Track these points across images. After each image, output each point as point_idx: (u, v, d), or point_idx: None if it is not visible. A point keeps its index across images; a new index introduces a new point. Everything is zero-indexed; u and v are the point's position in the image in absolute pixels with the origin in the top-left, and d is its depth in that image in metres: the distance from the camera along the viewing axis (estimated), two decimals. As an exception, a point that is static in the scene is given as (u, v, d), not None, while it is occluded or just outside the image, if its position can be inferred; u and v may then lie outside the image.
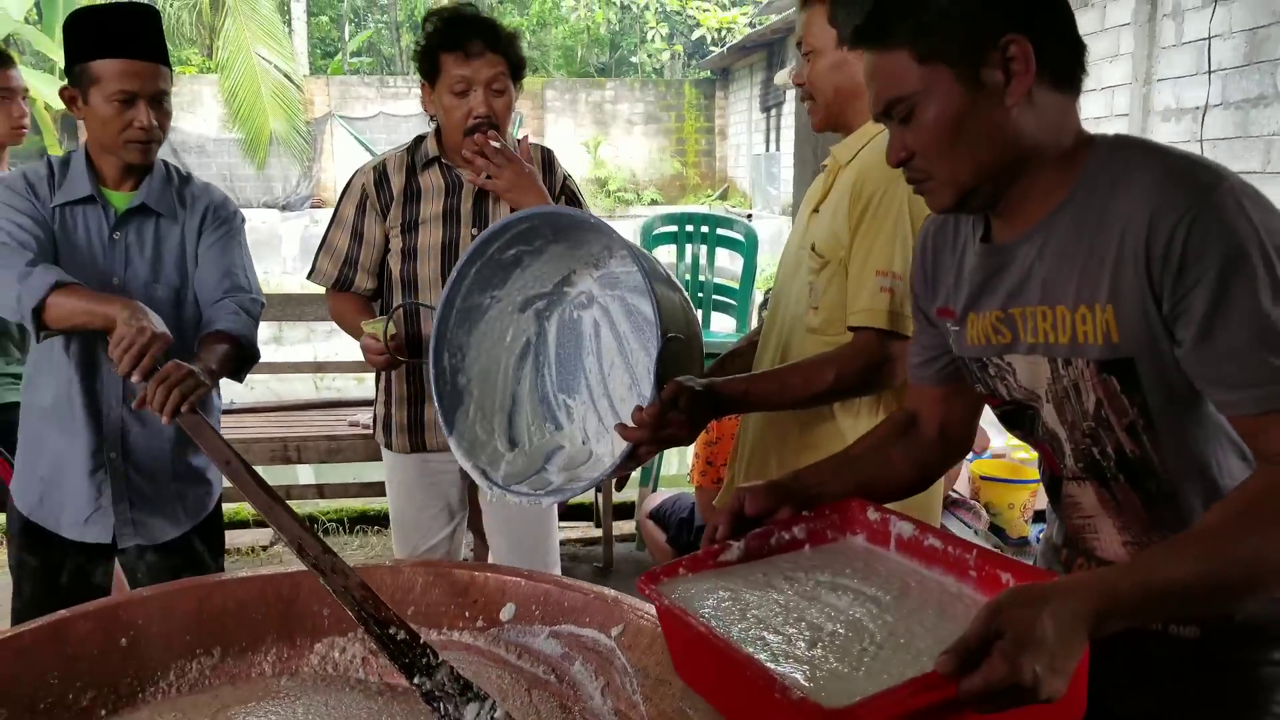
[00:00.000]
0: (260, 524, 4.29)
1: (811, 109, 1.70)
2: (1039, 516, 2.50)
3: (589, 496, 4.18)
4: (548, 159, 2.31)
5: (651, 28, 17.98)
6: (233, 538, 4.16)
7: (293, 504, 3.51)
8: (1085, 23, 5.88)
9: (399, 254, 2.19)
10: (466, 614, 1.41)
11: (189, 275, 1.98)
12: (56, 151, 13.25)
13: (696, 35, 17.82)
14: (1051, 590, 0.86)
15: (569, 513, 4.47)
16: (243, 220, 2.10)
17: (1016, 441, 2.96)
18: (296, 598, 1.43)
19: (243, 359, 1.97)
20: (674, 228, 4.80)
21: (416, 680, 1.19)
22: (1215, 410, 1.04)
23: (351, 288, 2.22)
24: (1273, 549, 0.91)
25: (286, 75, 13.48)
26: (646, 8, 17.86)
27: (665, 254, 3.54)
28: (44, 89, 12.33)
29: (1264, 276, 0.95)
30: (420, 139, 2.24)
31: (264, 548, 4.06)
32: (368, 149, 13.58)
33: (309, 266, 2.30)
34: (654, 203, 15.18)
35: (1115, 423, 1.09)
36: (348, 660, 1.39)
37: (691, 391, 1.46)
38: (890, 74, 1.07)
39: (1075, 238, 1.07)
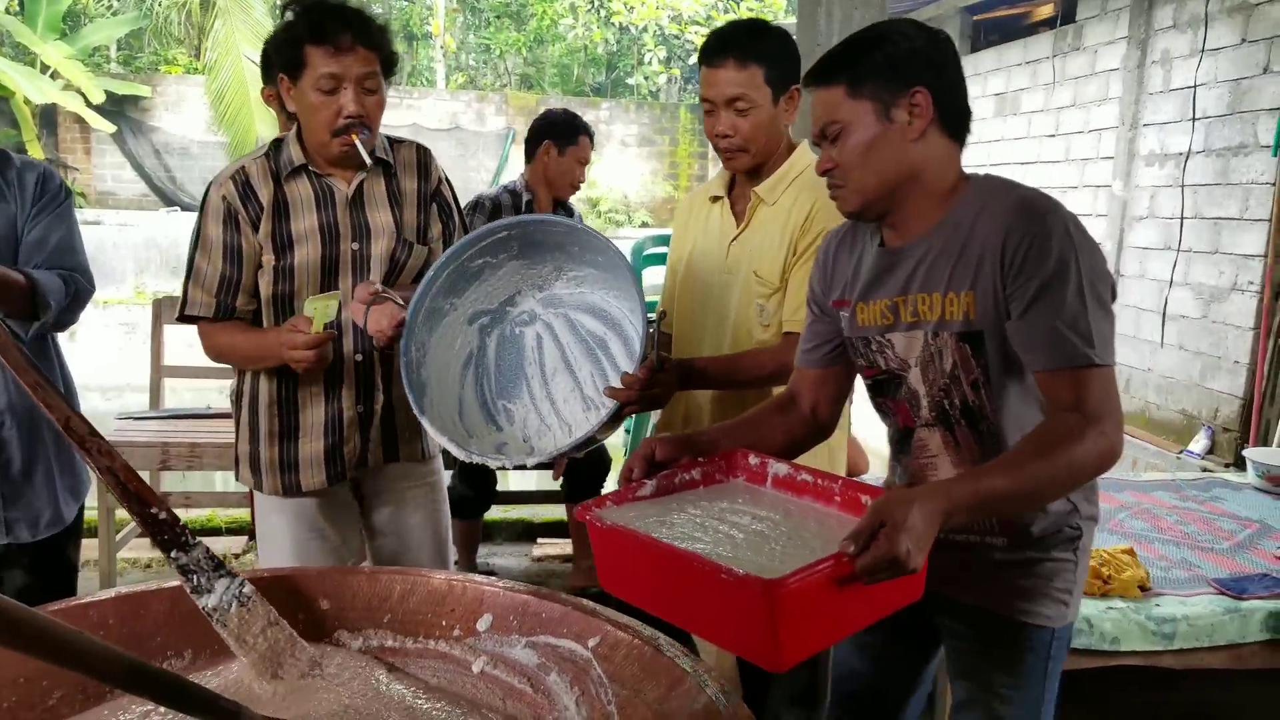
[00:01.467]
0: (232, 531, 4.26)
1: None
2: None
3: (564, 514, 4.17)
4: (423, 161, 2.14)
5: (649, 50, 18.06)
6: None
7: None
8: (1076, 67, 5.98)
9: (271, 272, 1.99)
10: (443, 623, 1.41)
11: (19, 256, 2.00)
12: (35, 148, 13.19)
13: (693, 60, 17.91)
14: (915, 494, 1.22)
15: (546, 530, 4.46)
16: (69, 195, 2.09)
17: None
18: (272, 603, 1.43)
19: (34, 304, 1.97)
20: (664, 249, 4.82)
21: (174, 554, 1.29)
22: (1028, 371, 1.43)
23: (234, 315, 2.02)
24: (1052, 473, 1.31)
25: (276, 80, 13.42)
26: (645, 30, 17.94)
27: (655, 275, 3.58)
28: (23, 82, 12.19)
29: (1075, 280, 1.37)
30: (279, 142, 2.03)
31: (236, 556, 4.02)
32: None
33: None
34: (644, 225, 15.21)
35: (964, 379, 1.49)
36: (321, 666, 1.38)
37: (674, 360, 1.87)
38: (829, 104, 1.45)
39: (950, 245, 1.46)
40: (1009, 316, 1.42)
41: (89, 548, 3.95)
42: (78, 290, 2.07)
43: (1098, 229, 5.77)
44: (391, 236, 2.06)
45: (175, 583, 1.34)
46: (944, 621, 1.63)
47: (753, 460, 1.57)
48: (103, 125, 13.19)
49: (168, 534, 1.31)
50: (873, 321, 1.56)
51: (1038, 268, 1.37)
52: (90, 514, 4.18)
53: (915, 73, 1.42)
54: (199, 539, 1.32)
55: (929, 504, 1.20)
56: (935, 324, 1.48)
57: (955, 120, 1.47)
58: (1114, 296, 1.44)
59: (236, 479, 2.18)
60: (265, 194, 1.98)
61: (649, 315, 1.89)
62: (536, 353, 2.09)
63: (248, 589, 1.31)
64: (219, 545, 4.03)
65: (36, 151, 13.02)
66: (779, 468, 1.54)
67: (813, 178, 1.70)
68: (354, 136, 1.92)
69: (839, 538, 1.22)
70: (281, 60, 1.93)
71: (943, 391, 1.51)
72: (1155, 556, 2.63)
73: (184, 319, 2.05)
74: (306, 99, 1.91)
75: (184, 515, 4.37)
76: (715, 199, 2.18)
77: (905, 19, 1.56)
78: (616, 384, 1.84)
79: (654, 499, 1.47)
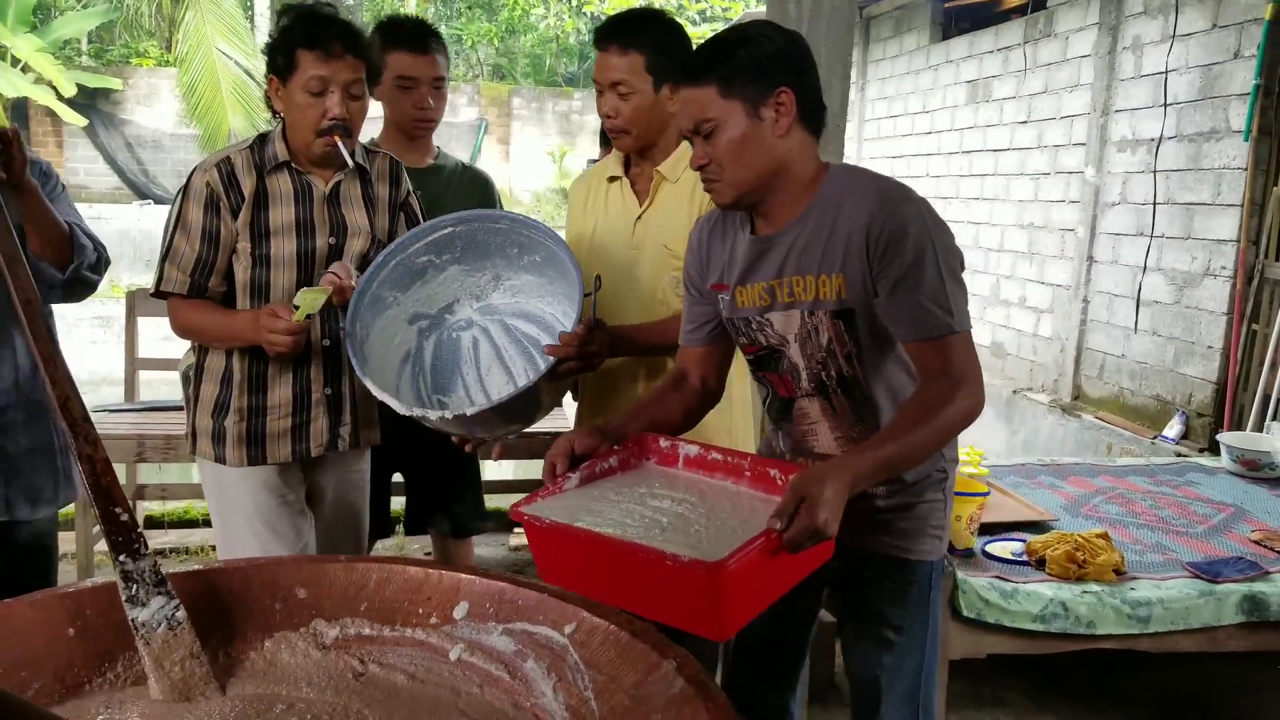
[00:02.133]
0: (209, 524, 4.23)
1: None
2: (984, 529, 2.55)
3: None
4: (395, 171, 2.27)
5: (621, 40, 17.98)
6: (182, 536, 4.10)
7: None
8: (1048, 53, 6.02)
9: (247, 258, 2.10)
10: (420, 610, 1.40)
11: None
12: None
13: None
14: (826, 469, 1.39)
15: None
16: (59, 178, 2.23)
17: (964, 458, 3.03)
18: (247, 591, 1.42)
19: (71, 248, 2.13)
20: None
21: (121, 558, 1.29)
22: (897, 343, 1.61)
23: (206, 294, 2.11)
24: (932, 434, 1.50)
25: (247, 71, 13.31)
26: (616, 20, 17.87)
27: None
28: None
29: (932, 261, 1.53)
30: (264, 138, 2.15)
31: (214, 548, 4.00)
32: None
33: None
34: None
35: (839, 353, 1.64)
36: (299, 658, 1.38)
37: (604, 324, 2.00)
38: (701, 102, 1.55)
39: (819, 230, 1.60)
40: (877, 295, 1.57)
41: (65, 540, 3.93)
42: (100, 255, 2.23)
43: (1070, 216, 5.82)
44: (367, 236, 2.20)
45: (149, 574, 1.34)
46: (835, 567, 1.73)
47: (663, 444, 1.69)
48: (74, 119, 13.05)
49: (123, 536, 1.31)
50: (752, 303, 1.69)
51: (899, 253, 1.53)
52: (68, 508, 4.16)
53: (780, 73, 1.54)
54: (150, 550, 1.32)
55: (839, 478, 1.37)
56: (810, 303, 1.62)
57: (814, 116, 1.61)
58: (963, 268, 1.59)
59: (192, 453, 2.23)
60: (248, 184, 2.08)
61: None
62: (473, 353, 2.25)
63: (180, 614, 1.30)
64: (196, 537, 4.01)
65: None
66: (689, 449, 1.66)
67: None
68: (336, 138, 2.04)
69: (754, 514, 1.46)
70: (274, 62, 2.05)
71: (820, 364, 1.66)
72: (1130, 541, 2.66)
73: (158, 294, 2.13)
74: (294, 99, 2.03)
75: (161, 508, 4.35)
76: (614, 179, 2.28)
77: (765, 21, 1.72)
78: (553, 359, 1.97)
79: (579, 489, 1.57)
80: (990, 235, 6.75)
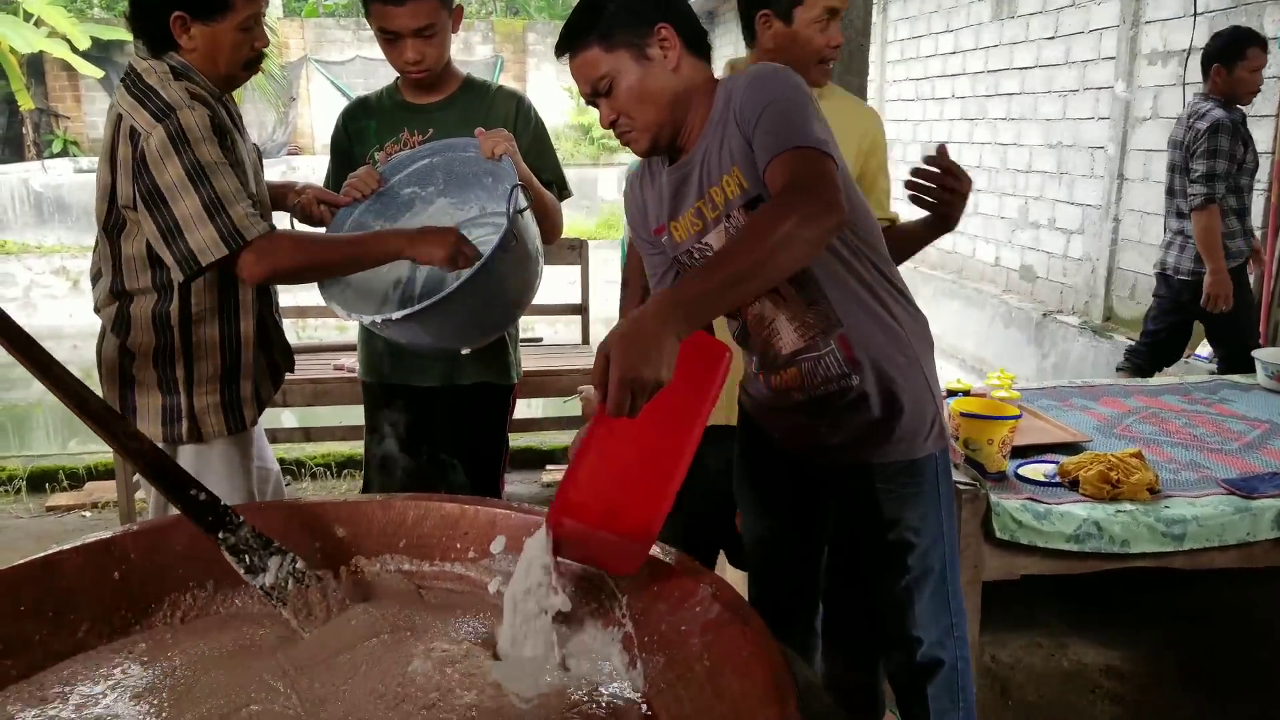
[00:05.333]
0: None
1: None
2: (1016, 452, 2.54)
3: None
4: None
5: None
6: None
7: (278, 448, 3.53)
8: (1073, -37, 5.82)
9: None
10: (458, 545, 1.43)
11: None
12: (24, 98, 13.01)
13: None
14: (636, 313, 1.19)
15: (556, 456, 4.50)
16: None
17: (995, 381, 3.00)
18: (287, 535, 1.44)
19: None
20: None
21: (221, 535, 1.28)
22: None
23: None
24: (771, 241, 1.29)
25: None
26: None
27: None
28: (8, 31, 11.98)
29: (780, 100, 1.49)
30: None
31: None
32: (344, 94, 13.35)
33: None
34: (637, 149, 15.01)
35: None
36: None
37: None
38: (590, 64, 1.56)
39: (713, 137, 1.59)
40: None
41: (106, 489, 4.01)
42: None
43: (1100, 133, 5.69)
44: None
45: (191, 517, 1.36)
46: (847, 486, 1.80)
47: None
48: (90, 71, 13.00)
49: (211, 514, 1.30)
50: (687, 233, 1.68)
51: (759, 102, 1.50)
52: (106, 456, 4.24)
53: (652, 11, 1.55)
54: (243, 518, 1.31)
55: (648, 309, 1.19)
56: (728, 206, 1.59)
57: (699, 42, 1.61)
58: (821, 120, 1.52)
59: (167, 440, 1.98)
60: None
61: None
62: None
63: (300, 564, 1.31)
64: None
65: (26, 102, 12.88)
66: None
67: None
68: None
69: None
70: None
71: None
72: (1164, 459, 2.64)
73: (242, 248, 1.85)
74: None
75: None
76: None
77: None
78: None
79: None
80: (1018, 156, 6.62)
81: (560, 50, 1.61)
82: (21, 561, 1.28)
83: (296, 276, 1.95)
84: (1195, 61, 4.83)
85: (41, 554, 1.30)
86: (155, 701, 1.14)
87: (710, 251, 1.64)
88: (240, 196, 1.86)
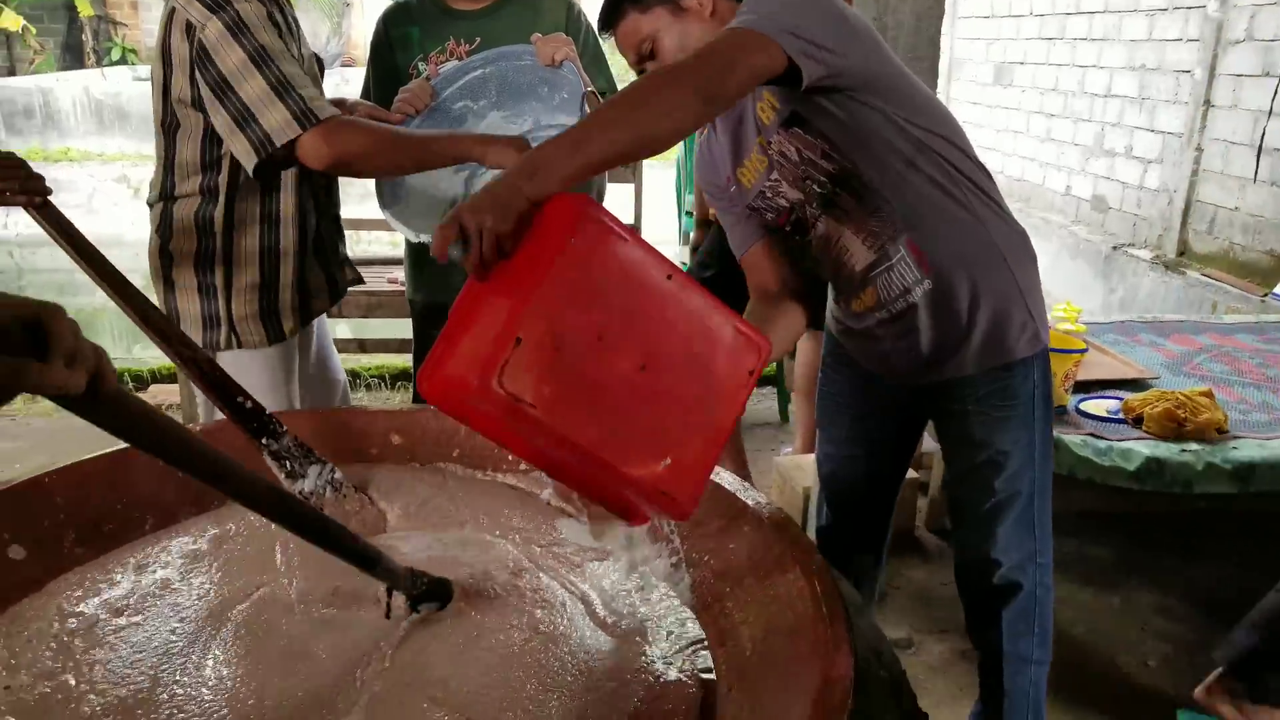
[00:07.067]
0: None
1: None
2: (1079, 387, 2.49)
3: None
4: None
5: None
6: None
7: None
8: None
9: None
10: (510, 457, 1.44)
11: None
12: (84, 5, 13.03)
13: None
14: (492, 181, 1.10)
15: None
16: None
17: (1061, 314, 2.94)
18: (343, 441, 1.47)
19: None
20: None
21: (264, 441, 1.35)
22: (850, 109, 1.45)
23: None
24: (614, 113, 1.18)
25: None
26: None
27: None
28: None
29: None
30: None
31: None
32: None
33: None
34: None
35: (815, 156, 1.52)
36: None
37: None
38: (631, 32, 1.54)
39: None
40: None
41: (169, 392, 4.12)
42: None
43: (1187, 56, 5.43)
44: None
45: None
46: (937, 407, 1.76)
47: None
48: (151, -24, 12.98)
49: (256, 422, 1.36)
50: (755, 175, 1.63)
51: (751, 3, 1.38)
52: (168, 361, 4.34)
53: None
54: (287, 428, 1.38)
55: (498, 178, 1.10)
56: (765, 134, 1.55)
57: None
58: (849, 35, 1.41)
59: (207, 345, 1.97)
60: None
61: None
62: None
63: (338, 475, 1.38)
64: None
65: (86, 8, 12.89)
66: None
67: None
68: None
69: None
70: None
71: (806, 179, 1.55)
72: (1235, 400, 2.57)
73: (309, 127, 1.75)
74: None
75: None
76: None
77: None
78: None
79: None
80: (1097, 79, 6.35)
81: (603, 27, 1.61)
82: (90, 457, 1.32)
83: (364, 165, 1.83)
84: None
85: (108, 451, 1.33)
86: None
87: (781, 185, 1.59)
88: (306, 81, 1.78)
